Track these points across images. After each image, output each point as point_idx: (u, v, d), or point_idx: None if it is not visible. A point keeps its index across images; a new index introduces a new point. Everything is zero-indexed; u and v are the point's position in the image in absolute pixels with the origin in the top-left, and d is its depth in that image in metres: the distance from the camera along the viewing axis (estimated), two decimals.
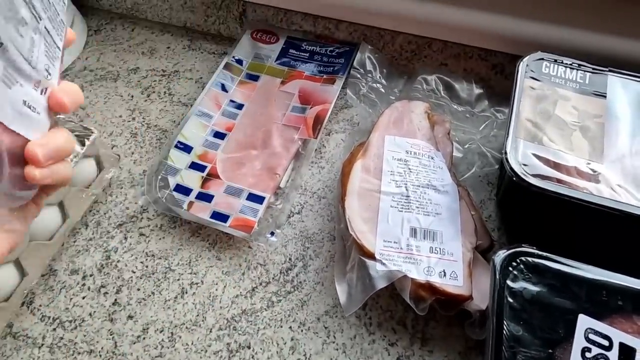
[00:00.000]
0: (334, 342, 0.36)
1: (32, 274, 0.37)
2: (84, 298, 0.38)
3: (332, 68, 0.52)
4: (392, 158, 0.40)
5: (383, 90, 0.48)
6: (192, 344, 0.36)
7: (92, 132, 0.41)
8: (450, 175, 0.40)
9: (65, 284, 0.39)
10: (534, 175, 0.33)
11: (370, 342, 0.36)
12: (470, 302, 0.34)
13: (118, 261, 0.40)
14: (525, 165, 0.34)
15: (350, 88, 0.47)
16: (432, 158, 0.40)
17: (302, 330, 0.37)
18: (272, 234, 0.39)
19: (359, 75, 0.48)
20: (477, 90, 0.48)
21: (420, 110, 0.44)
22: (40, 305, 0.38)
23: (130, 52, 0.56)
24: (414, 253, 0.35)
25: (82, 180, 0.41)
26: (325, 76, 0.51)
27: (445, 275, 0.34)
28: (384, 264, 0.34)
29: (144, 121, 0.50)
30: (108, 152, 0.43)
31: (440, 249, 0.35)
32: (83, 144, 0.40)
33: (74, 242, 0.41)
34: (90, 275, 0.39)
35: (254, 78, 0.51)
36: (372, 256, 0.35)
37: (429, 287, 0.34)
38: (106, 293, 0.38)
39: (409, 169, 0.39)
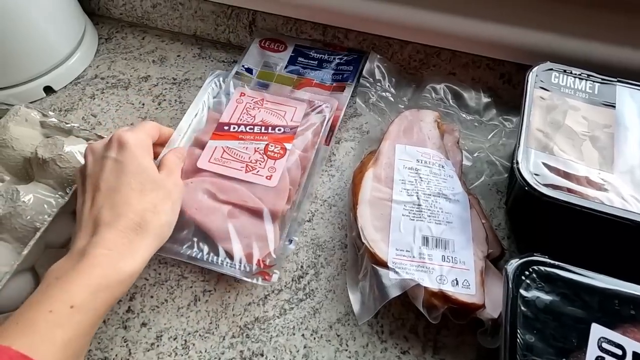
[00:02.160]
0: (346, 350, 0.36)
1: None
2: None
3: (341, 75, 0.52)
4: (403, 167, 0.40)
5: (392, 99, 0.49)
6: (205, 351, 0.36)
7: None
8: (460, 183, 0.40)
9: None
10: (546, 185, 0.34)
11: (383, 350, 0.36)
12: (482, 311, 0.34)
13: None
14: (536, 175, 0.34)
15: (359, 97, 0.48)
16: (442, 167, 0.41)
17: (314, 338, 0.37)
18: (291, 241, 0.40)
19: (368, 84, 0.49)
20: (485, 99, 0.49)
21: (430, 119, 0.44)
22: None
23: (141, 61, 0.56)
24: (426, 262, 0.35)
25: None
26: (334, 84, 0.51)
27: (457, 283, 0.34)
28: (397, 272, 0.35)
29: None
30: None
31: (452, 257, 0.36)
32: None
33: None
34: None
35: (264, 86, 0.51)
36: (384, 265, 0.35)
37: (442, 296, 0.34)
38: (119, 300, 0.39)
39: (420, 177, 0.40)
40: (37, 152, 0.38)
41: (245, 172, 0.41)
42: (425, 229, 0.37)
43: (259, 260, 0.37)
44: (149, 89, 0.54)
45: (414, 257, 0.35)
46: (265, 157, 0.43)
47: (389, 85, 0.50)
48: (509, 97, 0.50)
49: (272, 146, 0.43)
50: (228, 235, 0.38)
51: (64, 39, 0.53)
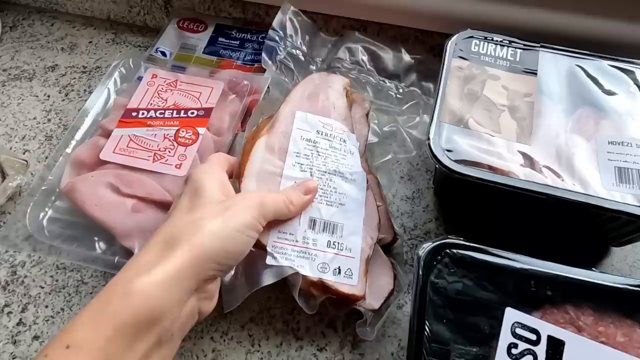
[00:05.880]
0: (258, 351, 0.33)
1: None
2: None
3: None
4: (301, 138, 0.35)
5: (303, 58, 0.43)
6: None
7: None
8: (360, 161, 0.36)
9: None
10: (458, 161, 0.31)
11: (298, 349, 0.34)
12: (362, 301, 0.31)
13: (25, 276, 0.37)
14: (449, 150, 0.32)
15: (265, 51, 0.42)
16: (344, 141, 0.36)
17: (224, 340, 0.34)
18: None
19: (277, 38, 0.43)
20: (406, 59, 0.44)
21: (339, 86, 0.39)
22: None
23: (49, 49, 0.52)
24: (309, 247, 0.32)
25: None
26: (256, 65, 0.48)
27: (339, 272, 0.31)
28: (274, 258, 0.31)
29: (60, 122, 0.46)
30: (12, 158, 0.40)
31: (338, 243, 0.32)
32: None
33: None
34: None
35: (181, 69, 0.47)
36: (263, 248, 0.31)
37: (321, 285, 0.31)
38: (10, 313, 0.35)
39: (317, 151, 0.35)
40: None
41: (153, 162, 0.38)
42: (315, 210, 0.33)
43: None
44: (56, 79, 0.49)
45: (297, 241, 0.32)
46: (176, 144, 0.39)
47: (301, 43, 0.44)
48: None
49: (183, 131, 0.40)
50: (130, 232, 0.35)
51: None
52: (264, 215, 0.29)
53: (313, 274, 0.31)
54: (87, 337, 0.22)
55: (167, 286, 0.24)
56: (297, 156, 0.34)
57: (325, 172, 0.34)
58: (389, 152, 0.40)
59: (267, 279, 0.30)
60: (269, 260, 0.31)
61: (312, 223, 0.32)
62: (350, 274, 0.31)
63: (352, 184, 0.35)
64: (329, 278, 0.31)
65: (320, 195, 0.33)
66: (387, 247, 0.35)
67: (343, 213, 0.33)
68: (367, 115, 0.40)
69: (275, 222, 0.31)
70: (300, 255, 0.31)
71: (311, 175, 0.34)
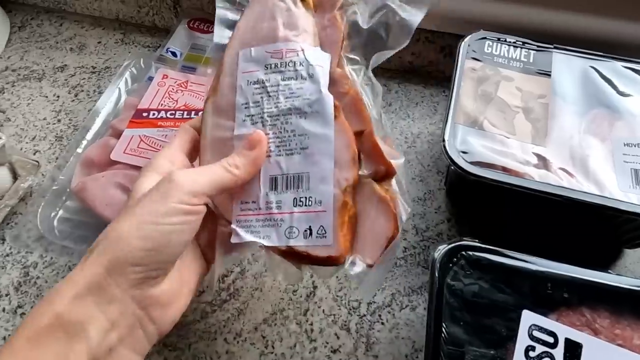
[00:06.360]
0: (272, 353, 0.33)
1: None
2: None
3: None
4: (247, 83, 0.29)
5: None
6: None
7: (0, 138, 0.37)
8: (321, 84, 0.28)
9: None
10: (474, 163, 0.31)
11: (312, 351, 0.33)
12: (353, 257, 0.26)
13: (38, 277, 0.37)
14: (464, 152, 0.31)
15: None
16: (300, 64, 0.28)
17: (237, 342, 0.34)
18: None
19: None
20: None
21: None
22: None
23: (58, 49, 0.52)
24: (274, 212, 0.27)
25: None
26: None
27: (311, 233, 0.26)
28: (238, 234, 0.27)
29: (70, 123, 0.46)
30: (24, 159, 0.40)
31: (306, 198, 0.27)
32: None
33: None
34: (6, 295, 0.36)
35: (191, 70, 0.48)
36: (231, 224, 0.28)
37: (291, 254, 0.26)
38: (23, 314, 0.35)
39: (268, 93, 0.28)
40: None
41: None
42: (274, 166, 0.27)
43: None
44: (65, 80, 0.49)
45: (260, 208, 0.27)
46: None
47: None
48: (451, 72, 0.47)
49: None
50: None
51: None
52: (195, 193, 0.25)
53: (280, 242, 0.26)
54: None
55: (78, 299, 0.23)
56: (246, 108, 0.28)
57: (278, 115, 0.28)
58: (376, 49, 0.30)
59: (230, 260, 0.28)
60: (233, 239, 0.27)
61: (274, 182, 0.27)
62: (323, 232, 0.26)
63: (313, 119, 0.27)
64: (299, 243, 0.26)
65: (277, 146, 0.28)
66: (382, 179, 0.28)
67: (307, 159, 0.27)
68: (340, 9, 0.30)
69: (236, 194, 0.28)
70: (265, 224, 0.27)
71: (263, 125, 0.28)
